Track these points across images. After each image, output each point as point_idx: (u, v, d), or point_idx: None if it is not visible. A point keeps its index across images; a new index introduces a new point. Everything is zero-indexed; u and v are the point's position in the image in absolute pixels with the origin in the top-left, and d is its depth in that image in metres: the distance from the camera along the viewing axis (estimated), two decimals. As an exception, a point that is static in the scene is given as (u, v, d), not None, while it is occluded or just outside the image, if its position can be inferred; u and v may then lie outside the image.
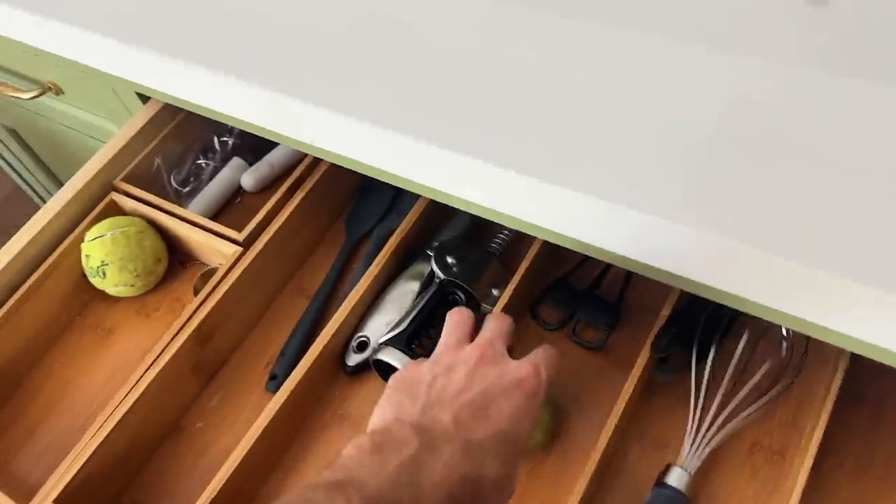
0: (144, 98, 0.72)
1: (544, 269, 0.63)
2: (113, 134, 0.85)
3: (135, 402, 0.57)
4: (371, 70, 0.49)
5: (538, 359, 0.42)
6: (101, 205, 0.68)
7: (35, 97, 0.82)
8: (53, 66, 0.76)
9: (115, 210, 0.69)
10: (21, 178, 1.26)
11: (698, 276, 0.41)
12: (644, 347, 0.55)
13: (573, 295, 0.61)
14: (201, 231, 0.67)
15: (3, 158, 1.21)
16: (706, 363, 0.54)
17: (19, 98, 0.82)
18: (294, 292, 0.69)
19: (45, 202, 1.30)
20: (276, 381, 0.62)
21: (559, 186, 0.41)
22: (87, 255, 0.66)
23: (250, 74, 0.51)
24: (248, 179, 0.74)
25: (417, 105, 0.47)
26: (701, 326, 0.55)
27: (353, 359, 0.61)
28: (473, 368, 0.41)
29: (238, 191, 0.75)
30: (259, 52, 0.53)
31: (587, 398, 0.58)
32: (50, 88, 0.82)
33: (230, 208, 0.75)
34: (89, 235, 0.66)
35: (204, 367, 0.63)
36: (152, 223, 0.69)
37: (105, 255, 0.65)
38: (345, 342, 0.62)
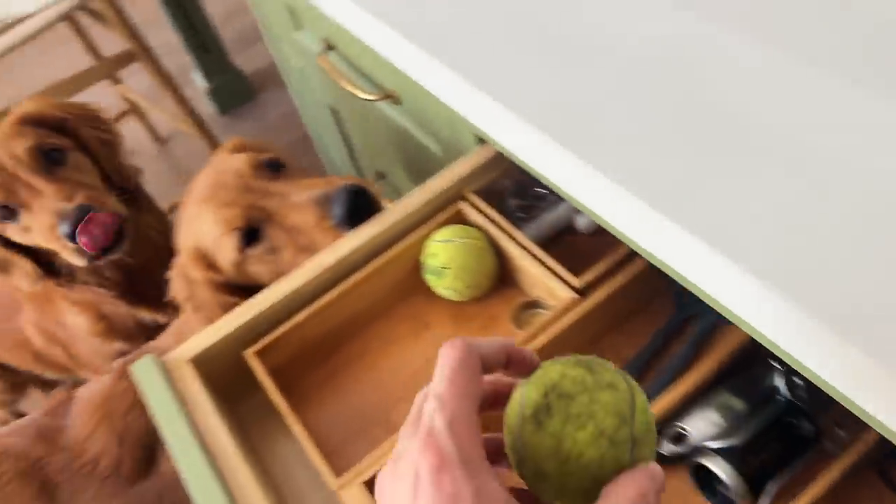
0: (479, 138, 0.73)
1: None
2: (433, 152, 0.87)
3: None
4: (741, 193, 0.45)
5: (428, 417, 0.32)
6: (449, 211, 0.72)
7: (373, 101, 0.86)
8: (402, 79, 0.76)
9: (458, 218, 0.73)
10: (318, 135, 1.36)
11: None
12: None
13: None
14: (537, 263, 0.68)
15: (312, 118, 1.31)
16: None
17: (358, 96, 0.86)
18: (606, 353, 0.68)
19: (332, 161, 1.40)
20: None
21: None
22: (432, 254, 0.69)
23: (613, 172, 0.49)
24: (584, 222, 0.74)
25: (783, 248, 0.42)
26: None
27: (667, 448, 0.59)
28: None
29: (569, 227, 0.75)
30: (615, 141, 0.50)
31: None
32: (390, 97, 0.85)
33: (557, 243, 0.75)
34: (439, 236, 0.70)
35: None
36: (490, 239, 0.72)
37: (449, 260, 0.68)
38: (658, 427, 0.60)
